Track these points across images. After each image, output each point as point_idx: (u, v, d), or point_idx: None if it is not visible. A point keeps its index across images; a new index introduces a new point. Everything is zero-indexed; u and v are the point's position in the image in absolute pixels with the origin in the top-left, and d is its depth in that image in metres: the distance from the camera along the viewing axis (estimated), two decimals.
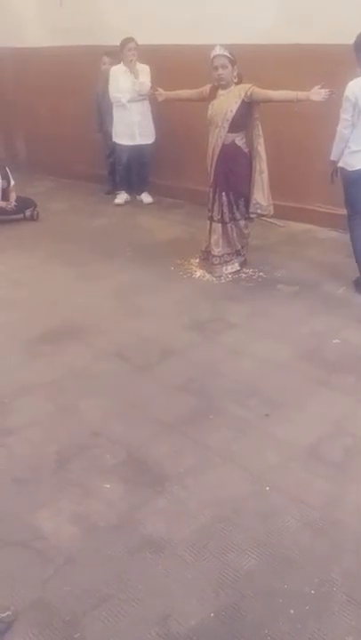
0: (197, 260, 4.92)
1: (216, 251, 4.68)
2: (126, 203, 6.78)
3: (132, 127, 6.39)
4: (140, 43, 6.04)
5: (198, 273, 4.79)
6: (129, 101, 6.24)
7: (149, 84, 6.10)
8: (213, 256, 4.70)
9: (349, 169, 4.23)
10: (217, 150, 4.48)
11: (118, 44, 6.11)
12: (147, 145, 6.49)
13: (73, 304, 4.36)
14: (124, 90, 6.20)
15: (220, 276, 4.69)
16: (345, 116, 4.12)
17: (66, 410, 3.15)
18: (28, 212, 6.30)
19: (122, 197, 6.81)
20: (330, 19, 5.04)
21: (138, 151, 6.51)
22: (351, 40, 4.93)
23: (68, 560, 2.26)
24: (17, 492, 2.60)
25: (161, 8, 6.05)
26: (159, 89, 4.87)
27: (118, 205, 6.72)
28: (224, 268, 4.72)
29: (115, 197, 6.83)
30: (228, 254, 4.72)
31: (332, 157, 4.30)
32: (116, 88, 6.24)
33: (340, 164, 4.29)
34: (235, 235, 4.69)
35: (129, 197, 6.83)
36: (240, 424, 2.98)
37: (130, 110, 6.30)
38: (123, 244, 5.53)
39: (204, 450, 2.81)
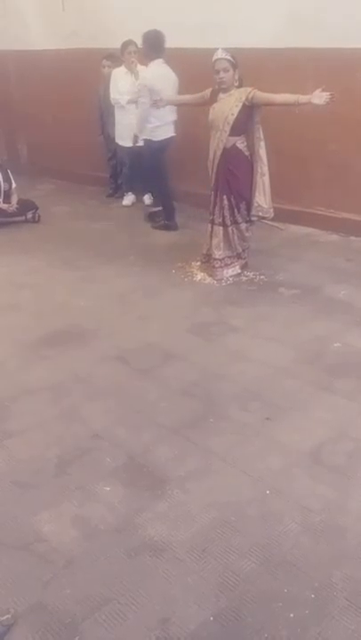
0: (198, 264, 4.92)
1: (217, 254, 4.68)
2: (133, 204, 6.79)
3: (131, 129, 6.39)
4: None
5: (199, 276, 4.80)
6: (128, 103, 6.25)
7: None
8: (214, 259, 4.70)
9: (155, 139, 5.65)
10: (218, 153, 4.48)
11: (120, 46, 6.14)
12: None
13: (75, 307, 4.36)
14: (123, 92, 6.22)
15: (220, 280, 4.69)
16: (143, 100, 5.43)
17: (67, 413, 3.15)
18: (29, 215, 6.31)
19: (129, 199, 6.82)
20: (334, 23, 5.06)
21: (138, 152, 6.52)
22: (353, 44, 4.98)
23: (69, 563, 2.26)
24: (18, 495, 2.60)
25: (164, 11, 6.06)
26: (160, 94, 4.88)
27: (126, 207, 6.73)
28: (225, 271, 4.72)
29: (122, 199, 6.85)
30: (229, 257, 4.73)
31: (136, 132, 5.81)
32: (116, 90, 6.27)
33: (145, 137, 5.71)
34: (236, 238, 4.69)
35: (135, 199, 6.84)
36: (242, 428, 2.98)
37: (128, 112, 6.31)
38: (124, 247, 5.53)
39: (205, 453, 2.81)
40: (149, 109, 5.42)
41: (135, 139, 5.83)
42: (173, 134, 5.79)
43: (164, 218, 6.01)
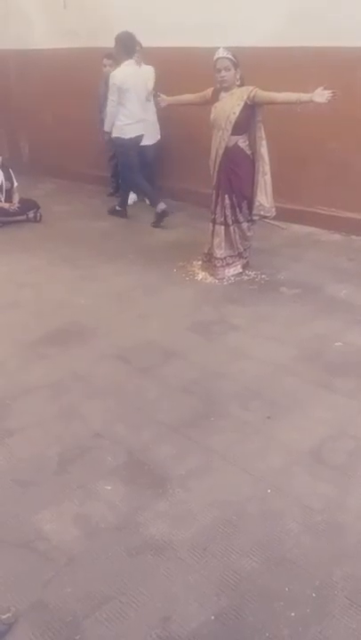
0: (200, 263, 4.92)
1: (218, 253, 4.67)
2: (134, 203, 6.79)
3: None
4: (144, 45, 6.05)
5: (200, 275, 4.80)
6: None
7: (150, 85, 6.10)
8: (216, 258, 4.70)
9: (125, 137, 5.85)
10: (220, 152, 4.48)
11: None
12: (148, 146, 6.47)
13: (76, 306, 4.36)
14: None
15: (222, 279, 4.69)
16: (111, 97, 5.70)
17: (68, 411, 3.15)
18: (31, 214, 6.31)
19: (131, 198, 6.81)
20: (336, 22, 5.05)
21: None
22: (355, 43, 4.98)
23: (70, 561, 2.26)
24: (19, 494, 2.60)
25: (165, 10, 6.06)
26: (161, 95, 4.88)
27: (127, 205, 6.72)
28: (226, 270, 4.72)
29: None
30: (231, 257, 4.72)
31: (106, 129, 5.94)
32: None
33: (115, 135, 5.89)
34: (237, 237, 4.69)
35: (136, 198, 6.84)
36: (242, 426, 2.98)
37: None
38: (125, 245, 5.53)
39: (206, 452, 2.81)
40: (118, 107, 5.73)
41: (106, 135, 6.03)
42: (144, 132, 6.01)
43: (145, 204, 6.33)
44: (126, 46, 5.70)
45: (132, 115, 5.81)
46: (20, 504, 2.54)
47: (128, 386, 3.37)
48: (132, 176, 6.13)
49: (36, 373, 3.52)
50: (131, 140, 5.90)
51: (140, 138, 5.98)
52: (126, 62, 5.74)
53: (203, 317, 4.12)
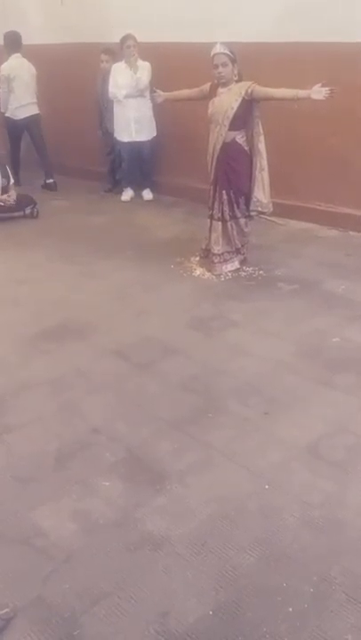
0: (197, 259, 4.91)
1: (216, 249, 4.67)
2: (131, 199, 6.79)
3: (129, 123, 6.38)
4: (141, 40, 6.04)
5: (198, 271, 4.79)
6: (125, 97, 6.23)
7: (147, 80, 6.09)
8: (213, 254, 4.69)
9: (15, 118, 7.06)
10: (217, 148, 4.47)
11: (119, 41, 6.12)
12: (144, 142, 6.46)
13: (74, 302, 4.36)
14: (121, 85, 6.20)
15: (219, 275, 4.69)
16: (1, 86, 6.85)
17: (67, 407, 3.15)
18: (28, 210, 6.29)
19: (128, 194, 6.81)
20: (334, 17, 5.04)
21: (136, 147, 6.50)
22: (354, 39, 4.97)
23: (68, 557, 2.26)
24: (17, 490, 2.61)
25: (163, 5, 6.04)
26: (158, 90, 4.86)
27: (124, 202, 6.73)
28: (224, 266, 4.72)
29: (120, 194, 6.83)
30: (228, 252, 4.72)
31: (2, 109, 7.09)
32: (115, 84, 6.25)
33: (7, 115, 7.08)
34: (235, 233, 4.68)
35: (134, 194, 6.83)
36: (241, 423, 2.98)
37: (126, 106, 6.30)
38: (123, 241, 5.52)
39: (204, 448, 2.81)
40: (8, 94, 6.93)
41: (1, 115, 7.14)
42: (36, 112, 7.13)
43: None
44: (12, 43, 6.85)
45: (20, 99, 6.97)
46: (18, 500, 2.54)
47: (127, 382, 3.37)
48: (14, 150, 7.30)
49: (35, 370, 3.51)
50: (21, 120, 7.07)
51: (29, 119, 7.09)
52: (13, 55, 6.89)
53: (201, 313, 4.12)
